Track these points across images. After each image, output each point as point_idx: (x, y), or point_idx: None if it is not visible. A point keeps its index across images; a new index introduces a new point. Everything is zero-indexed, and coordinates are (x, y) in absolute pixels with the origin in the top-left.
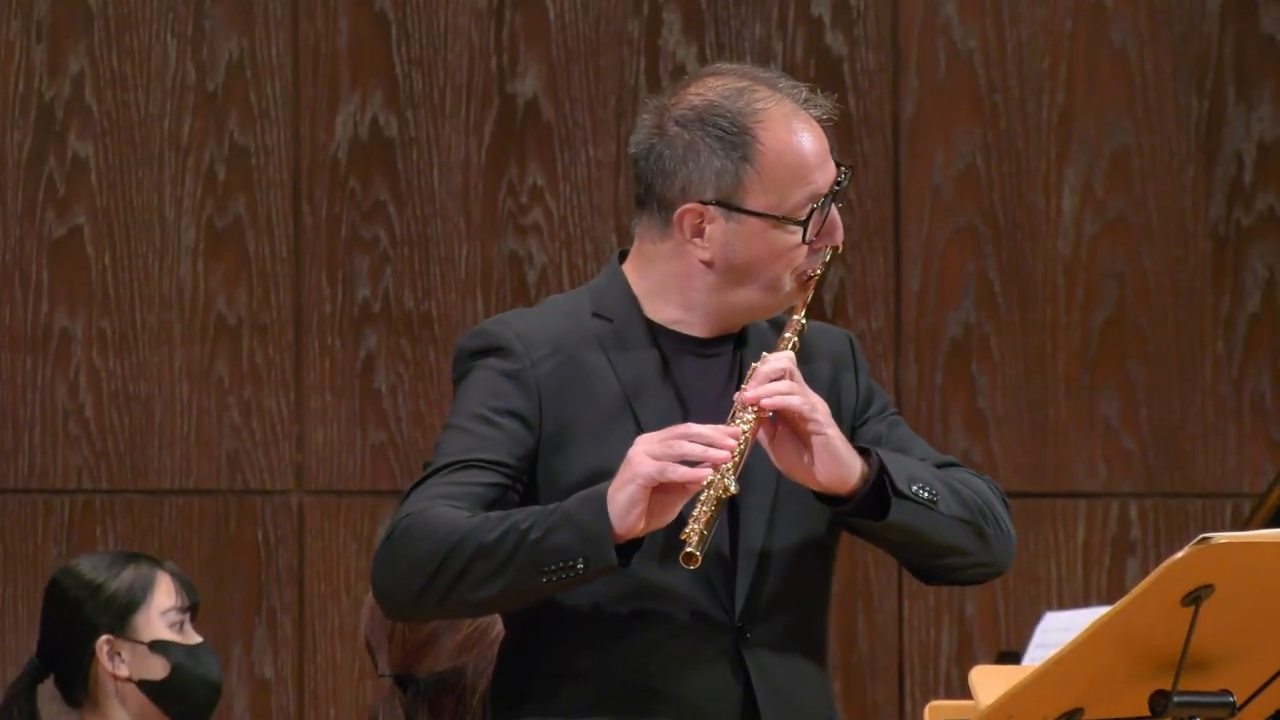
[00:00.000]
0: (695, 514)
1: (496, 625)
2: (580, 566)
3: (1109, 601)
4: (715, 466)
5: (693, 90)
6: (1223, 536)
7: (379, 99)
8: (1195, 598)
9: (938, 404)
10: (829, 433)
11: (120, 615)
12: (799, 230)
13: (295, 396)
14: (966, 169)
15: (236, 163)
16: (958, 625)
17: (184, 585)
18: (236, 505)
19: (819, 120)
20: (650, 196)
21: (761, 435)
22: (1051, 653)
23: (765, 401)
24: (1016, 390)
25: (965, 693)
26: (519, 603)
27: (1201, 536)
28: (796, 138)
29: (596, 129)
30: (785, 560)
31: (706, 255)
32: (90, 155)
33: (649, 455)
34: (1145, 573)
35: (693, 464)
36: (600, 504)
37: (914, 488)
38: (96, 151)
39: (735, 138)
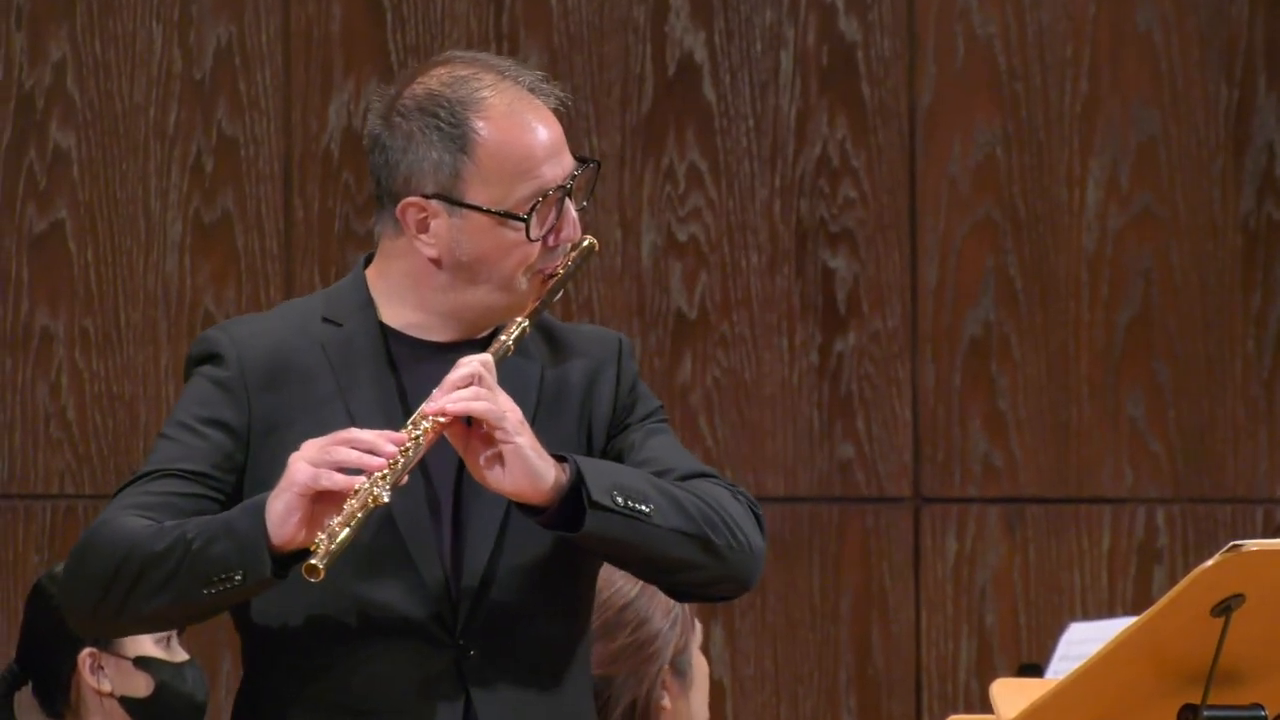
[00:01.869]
0: (333, 523)
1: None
2: (238, 579)
3: (1136, 612)
4: (369, 474)
5: (418, 79)
6: (1254, 544)
7: (374, 87)
8: (1225, 607)
9: (956, 406)
10: (518, 440)
11: None
12: (523, 226)
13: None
14: (986, 160)
15: (225, 154)
16: (977, 637)
17: None
18: None
19: (554, 111)
20: (380, 190)
21: (455, 441)
22: (1076, 665)
23: (448, 408)
24: (1038, 391)
25: (986, 707)
26: (192, 617)
27: (1232, 544)
28: (519, 128)
29: (600, 119)
30: (516, 577)
31: (434, 252)
32: (72, 146)
33: (307, 461)
34: (1173, 582)
35: (355, 472)
36: (259, 513)
37: (617, 497)
38: (79, 142)
39: (454, 129)
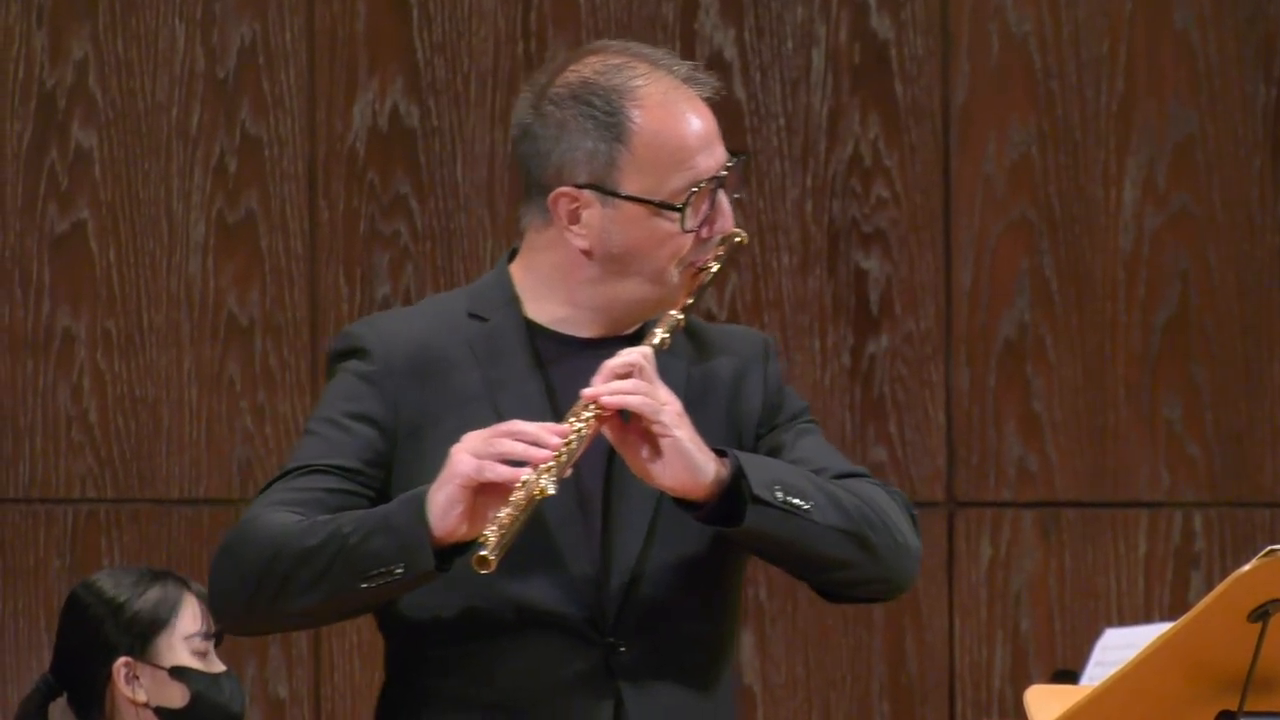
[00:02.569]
0: (500, 515)
1: None
2: (399, 572)
3: (1172, 617)
4: (534, 466)
5: (570, 68)
6: None
7: (399, 86)
8: (1263, 613)
9: (990, 408)
10: (677, 434)
11: (141, 637)
12: (678, 217)
13: (311, 401)
14: (1021, 159)
15: (249, 154)
16: (1012, 643)
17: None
18: None
19: (707, 100)
20: (529, 181)
21: (611, 435)
22: (1111, 671)
23: (605, 400)
24: (1074, 394)
25: (1020, 714)
26: (347, 612)
27: (1270, 548)
28: (675, 118)
29: None
30: (666, 573)
31: (585, 244)
32: (94, 146)
33: (470, 453)
34: (1210, 587)
35: (518, 464)
36: (419, 506)
37: (777, 492)
38: (101, 142)
39: (609, 117)
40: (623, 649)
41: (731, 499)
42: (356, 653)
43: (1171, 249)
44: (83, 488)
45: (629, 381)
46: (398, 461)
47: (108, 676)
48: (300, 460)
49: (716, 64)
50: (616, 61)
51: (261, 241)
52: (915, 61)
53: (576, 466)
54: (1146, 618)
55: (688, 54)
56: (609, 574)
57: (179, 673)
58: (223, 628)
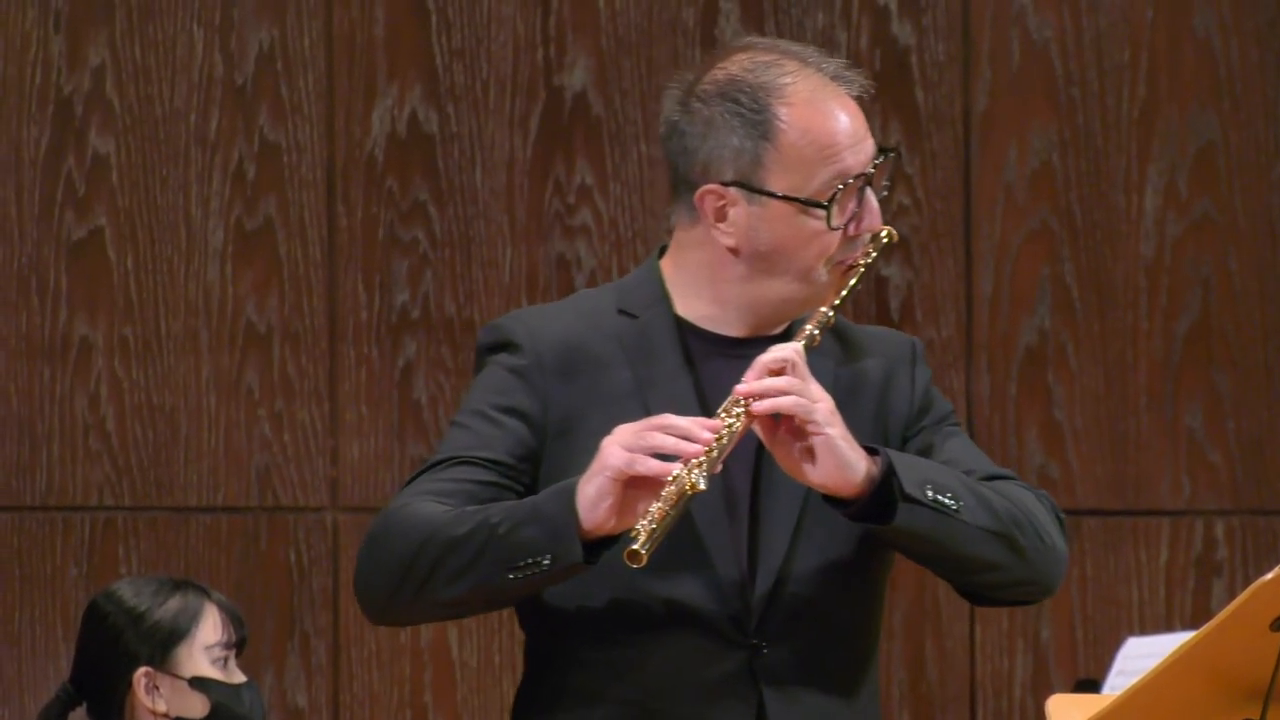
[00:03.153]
0: (651, 509)
1: None
2: (546, 563)
3: (1194, 626)
4: (685, 461)
5: (719, 65)
6: None
7: (418, 92)
8: None
9: (1011, 416)
10: (829, 432)
11: (161, 647)
12: (825, 214)
13: (330, 408)
14: (1042, 166)
15: (267, 160)
16: (1033, 651)
17: (232, 619)
18: (267, 523)
19: (855, 98)
20: (677, 179)
21: (762, 431)
22: (1133, 681)
23: (755, 406)
24: (1095, 402)
25: None
26: (493, 603)
27: None
28: (822, 115)
29: (649, 124)
30: (812, 574)
31: (731, 241)
32: (111, 153)
33: (621, 446)
34: (1232, 595)
35: (669, 459)
36: (569, 497)
37: (928, 491)
38: (118, 149)
39: (756, 114)
40: (766, 650)
41: (882, 497)
42: (374, 661)
43: (1193, 256)
44: (100, 496)
45: (782, 379)
46: (546, 456)
47: (127, 686)
48: (448, 451)
49: None
50: (765, 59)
51: (280, 248)
52: (936, 68)
53: (725, 464)
54: (1168, 626)
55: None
56: (755, 574)
57: (199, 683)
58: (368, 617)
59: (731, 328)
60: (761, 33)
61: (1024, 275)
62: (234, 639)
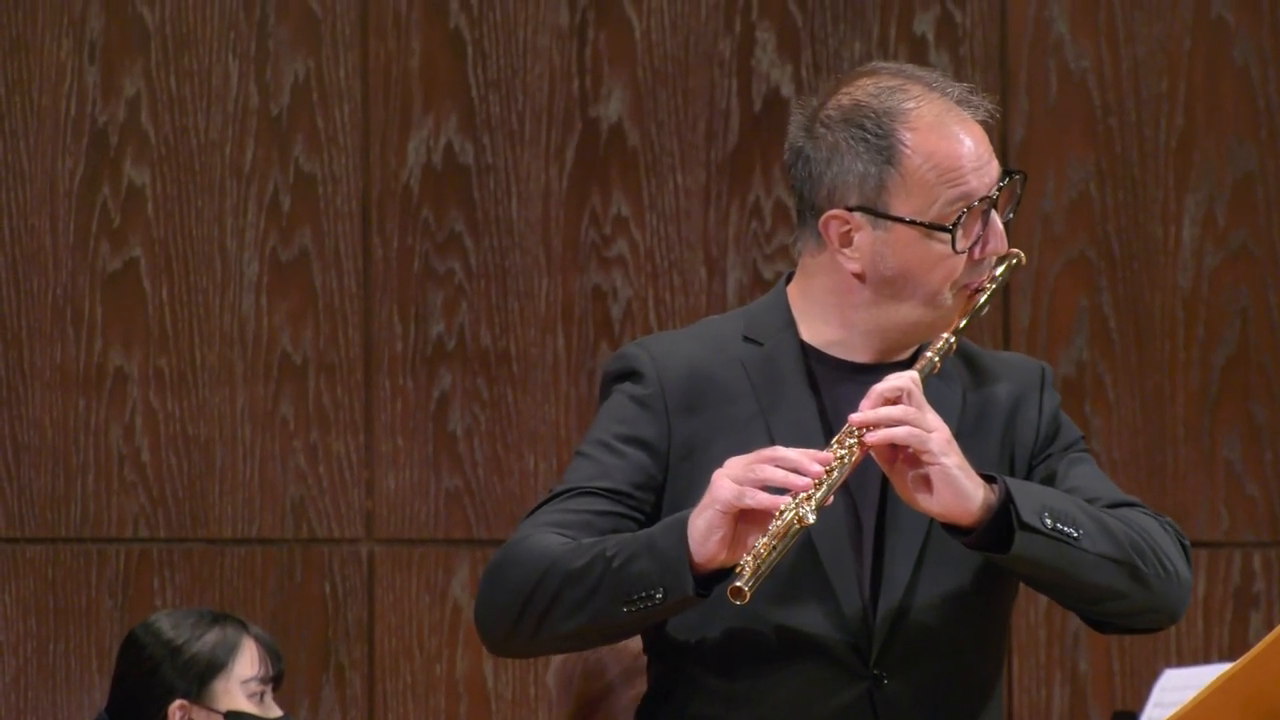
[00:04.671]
0: (757, 544)
1: None
2: (659, 596)
3: (1231, 658)
4: (795, 494)
5: (843, 90)
6: None
7: (454, 123)
8: None
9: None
10: (945, 462)
11: (198, 679)
12: (949, 238)
13: (365, 440)
14: (1079, 196)
15: (302, 191)
16: (1070, 683)
17: (269, 653)
18: (302, 555)
19: (980, 122)
20: (802, 205)
21: (880, 460)
22: (1170, 713)
23: (868, 438)
24: (1133, 433)
25: None
26: (610, 636)
27: None
28: (946, 139)
29: (685, 155)
30: (934, 606)
31: (857, 267)
32: (147, 183)
33: (730, 479)
34: (1270, 627)
35: (781, 491)
36: (681, 530)
37: (1046, 519)
38: (153, 179)
39: (880, 140)
40: (887, 681)
41: (1000, 525)
42: (410, 694)
43: (1231, 287)
44: (135, 527)
45: (897, 408)
46: (669, 485)
47: (164, 718)
48: (571, 482)
49: (774, 100)
50: (889, 84)
51: (315, 279)
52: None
53: (849, 492)
54: (1206, 658)
55: (745, 91)
56: (877, 604)
57: (234, 717)
58: (489, 647)
59: (858, 353)
60: (798, 64)
61: (1061, 306)
62: (271, 673)
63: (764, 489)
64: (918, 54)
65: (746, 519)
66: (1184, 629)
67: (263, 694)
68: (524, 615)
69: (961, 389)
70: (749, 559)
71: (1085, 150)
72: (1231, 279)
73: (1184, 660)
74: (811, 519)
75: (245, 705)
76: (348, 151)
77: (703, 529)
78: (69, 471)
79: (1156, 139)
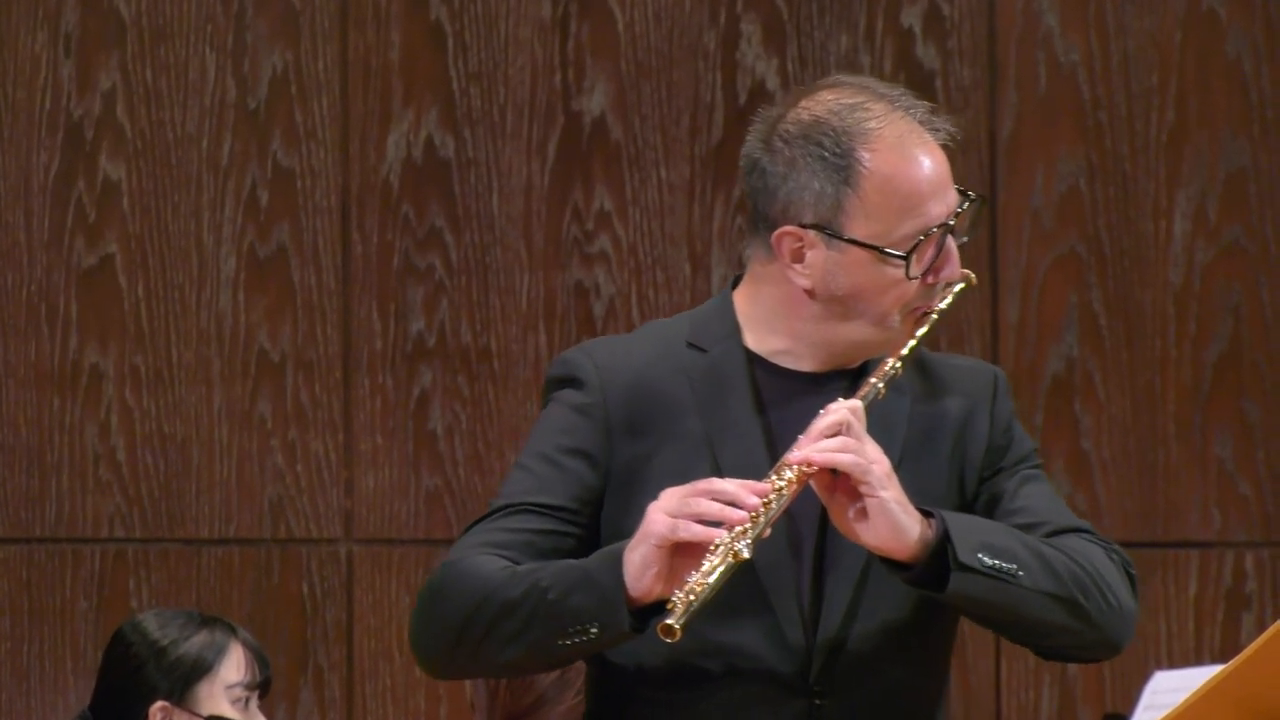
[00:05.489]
0: (690, 580)
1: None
2: (595, 631)
3: (1223, 660)
4: (731, 527)
5: (804, 103)
6: None
7: (434, 117)
8: None
9: (1038, 446)
10: (882, 495)
11: (182, 682)
12: (904, 264)
13: (344, 438)
14: (1069, 191)
15: (280, 186)
16: (1059, 686)
17: (257, 659)
18: (280, 556)
19: (942, 145)
20: (756, 215)
21: (819, 489)
22: (1161, 715)
23: (814, 458)
24: (1123, 431)
25: None
26: (547, 666)
27: None
28: (907, 163)
29: (669, 149)
30: (875, 628)
31: (808, 283)
32: (122, 178)
33: (665, 512)
34: (1262, 628)
35: (715, 524)
36: (617, 564)
37: (984, 557)
38: (129, 174)
39: (839, 159)
40: (825, 703)
41: (939, 562)
42: (389, 696)
43: (1223, 283)
44: (110, 527)
45: (836, 440)
46: (610, 497)
47: (145, 719)
48: (509, 497)
49: (758, 95)
50: (851, 100)
51: (293, 275)
52: (961, 92)
53: (790, 516)
54: (1197, 660)
55: (730, 84)
56: (818, 624)
57: None
58: (424, 670)
59: (805, 362)
60: (783, 57)
61: (1051, 303)
62: (257, 680)
63: (700, 521)
64: (905, 47)
65: (682, 552)
66: (1175, 630)
67: (248, 700)
68: (460, 643)
69: (911, 400)
70: (680, 595)
71: (1075, 145)
72: (1223, 275)
73: (1175, 662)
74: (747, 554)
75: (228, 711)
76: (326, 145)
77: (638, 564)
78: (43, 470)
79: (1147, 133)
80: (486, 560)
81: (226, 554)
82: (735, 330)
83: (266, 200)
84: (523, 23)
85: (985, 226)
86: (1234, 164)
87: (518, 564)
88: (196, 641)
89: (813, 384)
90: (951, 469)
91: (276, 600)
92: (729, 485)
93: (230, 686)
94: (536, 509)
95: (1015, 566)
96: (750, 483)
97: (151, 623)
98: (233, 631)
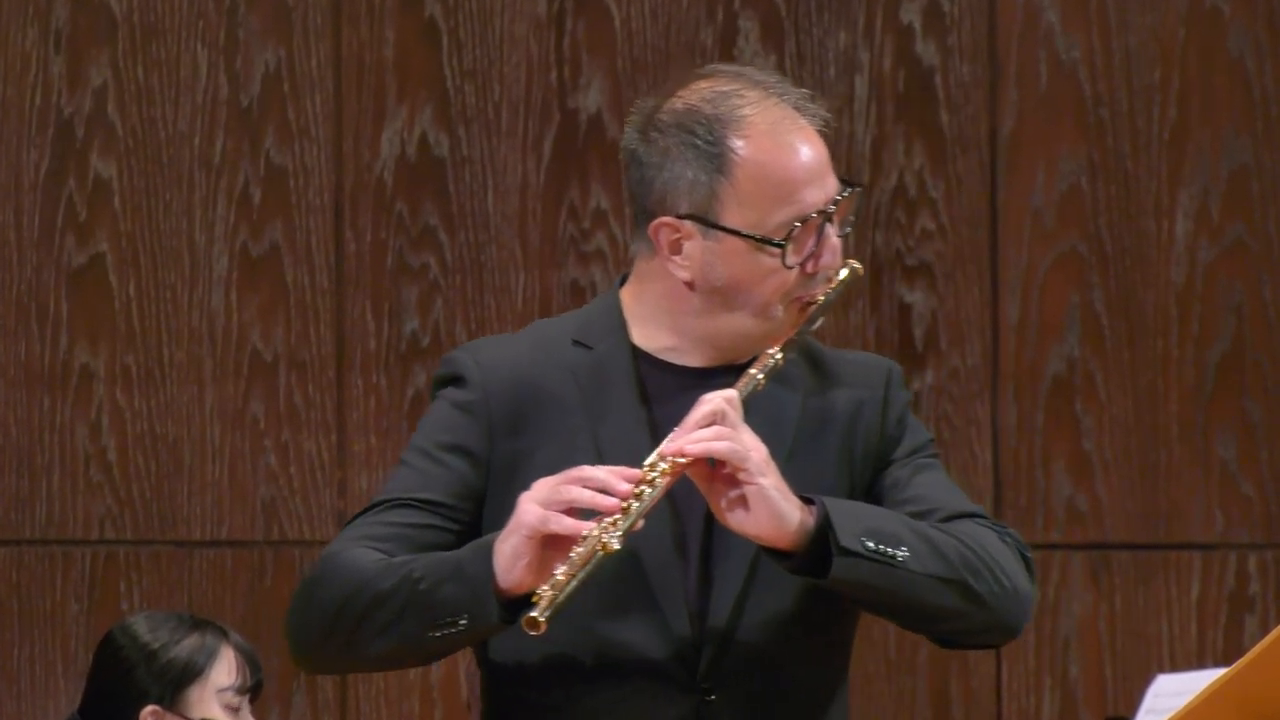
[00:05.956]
0: (557, 573)
1: None
2: (464, 623)
3: (1226, 663)
4: (601, 519)
5: (679, 93)
6: None
7: (428, 114)
8: None
9: (1039, 446)
10: (760, 482)
11: (173, 686)
12: (780, 253)
13: (337, 439)
14: (1070, 190)
15: (273, 184)
16: (1060, 689)
17: (248, 663)
18: (273, 557)
19: (819, 131)
20: (636, 209)
21: (698, 480)
22: (1163, 719)
23: (688, 448)
24: (1125, 432)
25: None
26: (421, 659)
27: None
28: (780, 149)
29: None
30: (765, 620)
31: (687, 275)
32: (113, 176)
33: (536, 503)
34: (1265, 631)
35: (589, 514)
36: (488, 555)
37: (867, 542)
38: (120, 172)
39: (711, 147)
40: (714, 698)
41: (822, 549)
42: (383, 699)
43: (1225, 282)
44: (101, 529)
45: (711, 430)
46: (491, 494)
47: None
48: (390, 493)
49: None
50: (725, 88)
51: (286, 275)
52: (961, 89)
53: (674, 508)
54: (1199, 663)
55: None
56: (705, 619)
57: None
58: (297, 663)
59: (692, 358)
60: (782, 54)
61: (1052, 302)
62: (249, 683)
63: (572, 510)
64: (904, 44)
65: (553, 544)
66: (1177, 633)
67: (239, 705)
68: (332, 634)
69: (802, 394)
70: (547, 589)
71: (1076, 143)
72: (1226, 274)
73: (1177, 665)
74: (616, 546)
75: (220, 715)
76: (320, 143)
77: (508, 555)
78: (33, 472)
79: (1149, 131)
80: (362, 553)
81: (219, 556)
82: (621, 326)
83: (259, 198)
84: (518, 19)
85: (986, 226)
86: (1237, 162)
87: (393, 556)
88: (187, 645)
89: (700, 379)
90: (843, 461)
91: (269, 603)
92: (599, 472)
93: (221, 690)
94: (415, 504)
95: (900, 550)
96: (622, 469)
97: (142, 625)
98: (224, 635)
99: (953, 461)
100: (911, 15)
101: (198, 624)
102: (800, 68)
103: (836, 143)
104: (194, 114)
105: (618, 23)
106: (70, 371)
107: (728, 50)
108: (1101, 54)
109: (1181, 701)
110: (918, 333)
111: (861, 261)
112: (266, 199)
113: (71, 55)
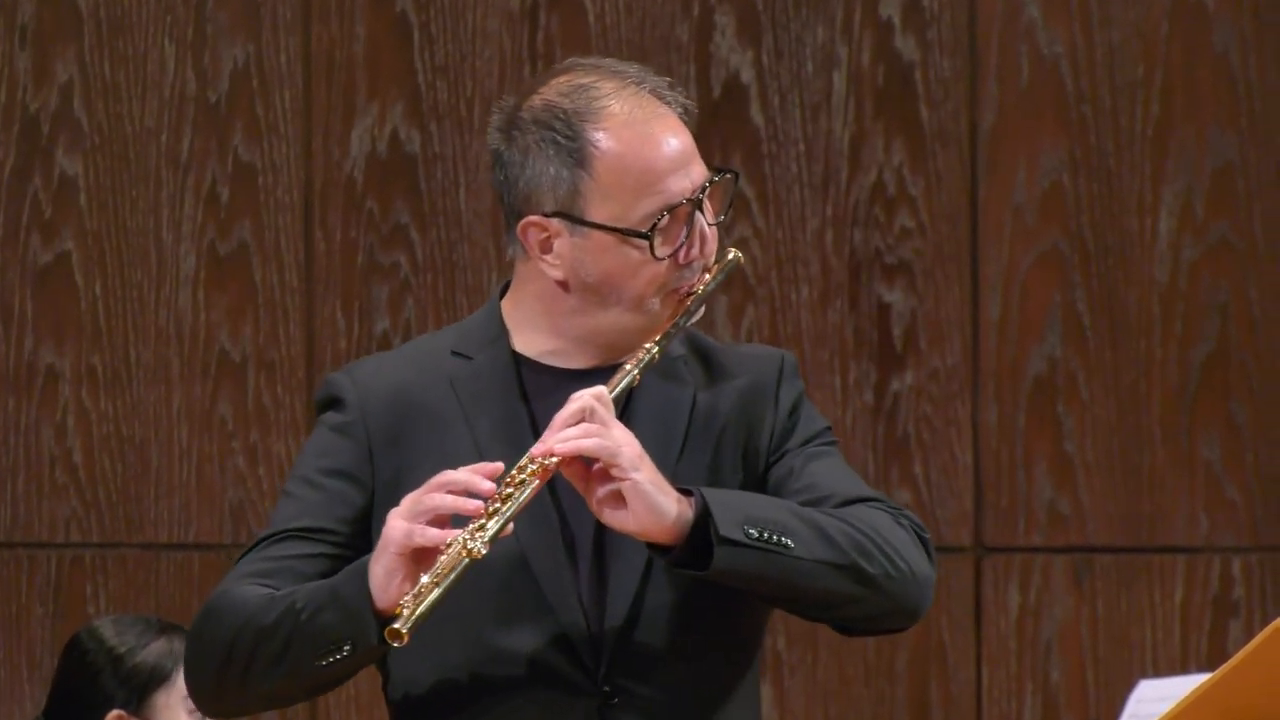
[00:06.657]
0: (421, 582)
1: None
2: (348, 649)
3: (1210, 668)
4: (469, 524)
5: (538, 90)
6: None
7: (399, 111)
8: None
9: (1020, 448)
10: (635, 476)
11: (139, 691)
12: (647, 244)
13: (306, 441)
14: (1051, 187)
15: (242, 182)
16: (1042, 694)
17: None
18: None
19: (681, 119)
20: (506, 210)
21: (573, 479)
22: None
23: (557, 448)
24: (1107, 433)
25: None
26: (315, 689)
27: None
28: (641, 139)
29: None
30: (664, 618)
31: (559, 274)
32: (80, 173)
33: (401, 518)
34: (1250, 635)
35: (463, 521)
36: (362, 578)
37: (750, 530)
38: (86, 169)
39: (570, 142)
40: (616, 700)
41: (704, 540)
42: (353, 705)
43: (1210, 281)
44: (67, 531)
45: (579, 427)
46: (377, 513)
47: None
48: (274, 526)
49: (734, 87)
50: (582, 81)
51: (255, 274)
52: (941, 85)
53: (560, 511)
54: (1183, 668)
55: (704, 77)
56: (602, 620)
57: None
58: (200, 708)
59: (575, 360)
60: (759, 50)
61: (1033, 301)
62: None
63: (438, 518)
64: (883, 39)
65: (424, 557)
66: (1160, 638)
67: None
68: (226, 675)
69: (694, 390)
70: (409, 599)
71: (1058, 139)
72: (1210, 273)
73: (1160, 670)
74: (483, 551)
75: None
76: (289, 140)
77: (381, 575)
78: None
79: (1132, 128)
80: (248, 590)
81: (186, 559)
82: (502, 334)
83: (227, 196)
84: (490, 14)
85: (966, 223)
86: (1221, 159)
87: (279, 590)
88: (154, 649)
89: (582, 380)
90: (736, 455)
91: None
92: (460, 474)
93: (188, 696)
94: (299, 534)
95: (786, 537)
96: (484, 465)
97: (108, 629)
98: None
99: (932, 463)
100: (890, 10)
101: (165, 628)
102: (778, 64)
103: (814, 140)
104: (161, 110)
105: (592, 18)
106: (35, 372)
107: (703, 46)
108: (1084, 49)
109: (1165, 707)
110: (897, 332)
111: (839, 259)
112: (235, 197)
113: (37, 51)
